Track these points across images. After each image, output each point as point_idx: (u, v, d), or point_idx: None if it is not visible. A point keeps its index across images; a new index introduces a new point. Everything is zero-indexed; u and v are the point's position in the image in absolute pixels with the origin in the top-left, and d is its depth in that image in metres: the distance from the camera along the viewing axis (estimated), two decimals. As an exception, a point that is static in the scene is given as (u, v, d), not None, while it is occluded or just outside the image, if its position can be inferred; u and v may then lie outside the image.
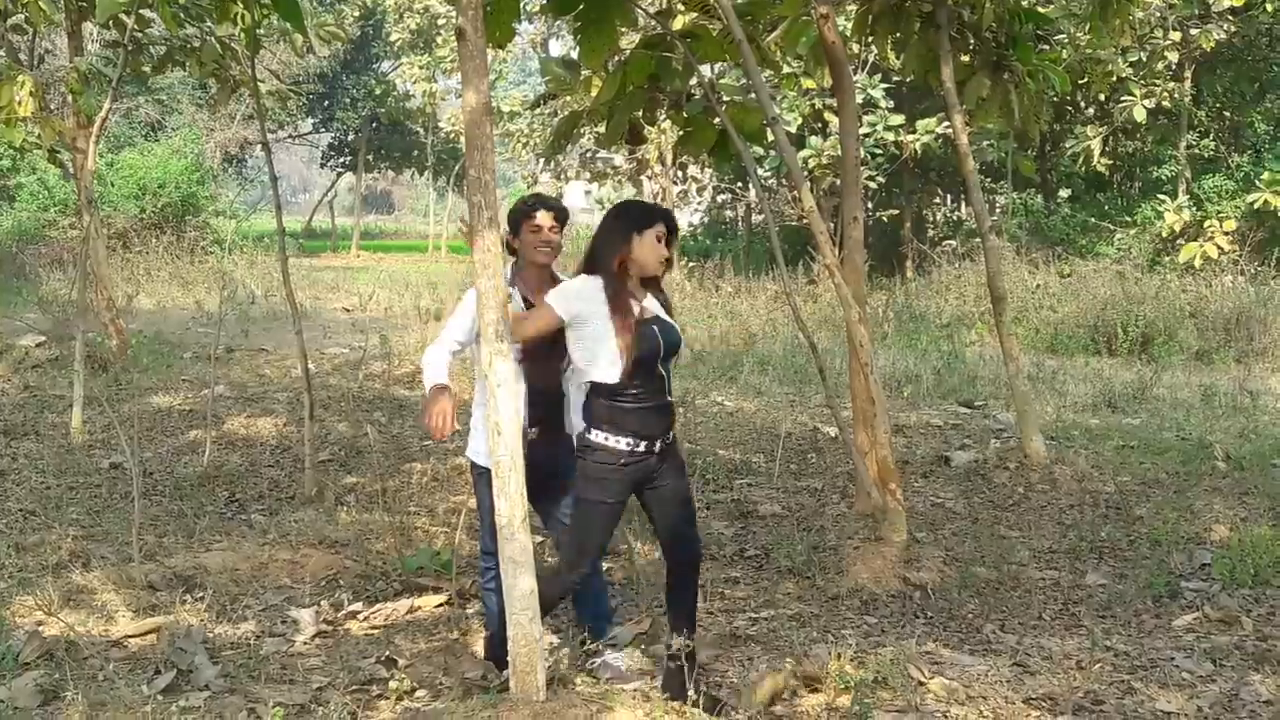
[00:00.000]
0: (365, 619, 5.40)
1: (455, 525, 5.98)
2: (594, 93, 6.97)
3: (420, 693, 4.56)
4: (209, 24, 9.78)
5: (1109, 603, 5.92)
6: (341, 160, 44.75)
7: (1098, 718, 4.54)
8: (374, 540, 6.47)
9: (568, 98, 10.77)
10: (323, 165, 46.87)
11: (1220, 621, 5.66)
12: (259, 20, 7.73)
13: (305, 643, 5.11)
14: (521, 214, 4.79)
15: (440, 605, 5.59)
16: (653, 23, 6.93)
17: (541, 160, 25.41)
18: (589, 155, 24.44)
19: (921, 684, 4.72)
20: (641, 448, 4.42)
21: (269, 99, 15.69)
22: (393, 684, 4.53)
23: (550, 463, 4.72)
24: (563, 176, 25.75)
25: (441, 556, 5.95)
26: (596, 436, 4.39)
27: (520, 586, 4.18)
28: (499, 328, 4.10)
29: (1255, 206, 17.80)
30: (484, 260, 4.10)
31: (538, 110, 22.44)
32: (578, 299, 4.40)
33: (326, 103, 40.35)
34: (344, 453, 8.58)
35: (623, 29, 6.91)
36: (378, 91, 39.56)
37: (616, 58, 7.13)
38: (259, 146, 34.10)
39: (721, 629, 5.42)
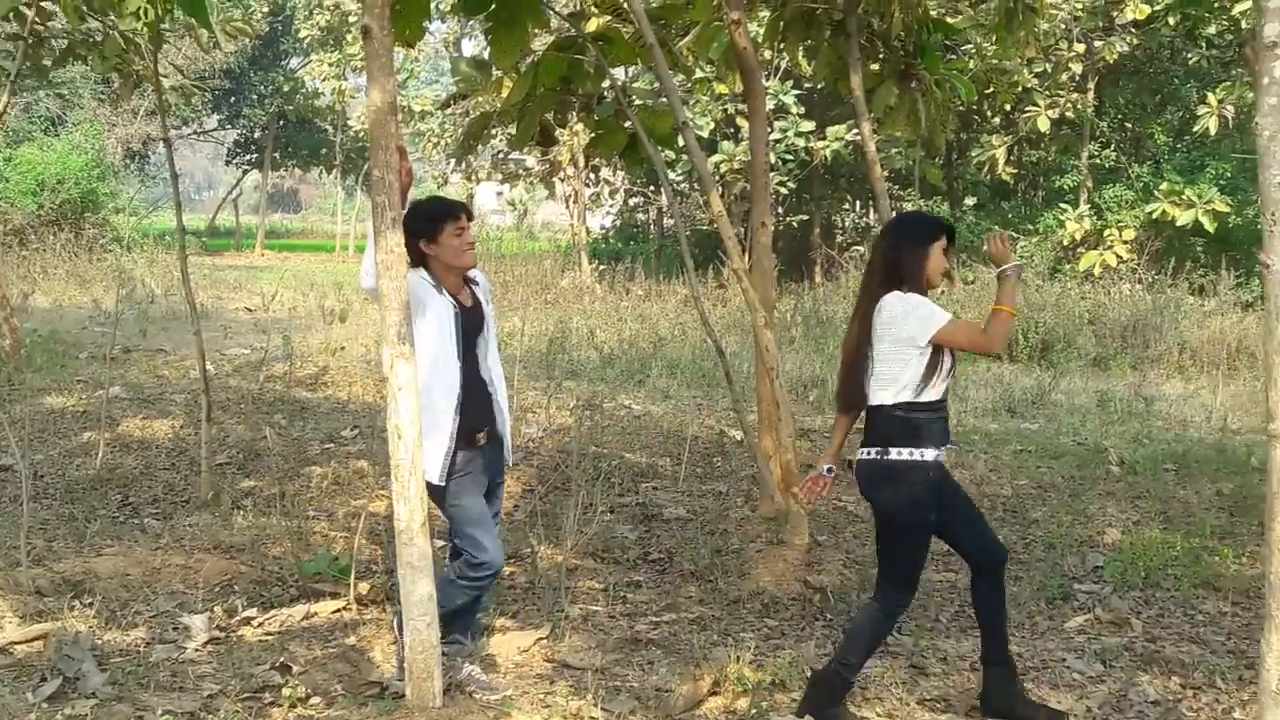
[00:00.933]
0: (260, 625, 5.31)
1: (355, 530, 5.90)
2: (505, 94, 6.95)
3: (315, 700, 4.48)
4: (112, 17, 9.56)
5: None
6: (247, 158, 44.09)
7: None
8: (271, 545, 6.36)
9: (479, 98, 10.71)
10: (228, 162, 46.12)
11: (1111, 623, 5.78)
12: (162, 15, 7.56)
13: (197, 650, 5.00)
14: (444, 216, 4.55)
15: (338, 611, 5.50)
16: (565, 25, 6.92)
17: (452, 161, 25.24)
18: (501, 156, 24.35)
19: (820, 686, 4.75)
20: (941, 456, 4.34)
21: (172, 94, 15.39)
22: (286, 691, 4.45)
23: (496, 467, 4.71)
24: (474, 177, 25.64)
25: (340, 562, 5.86)
26: (900, 455, 4.27)
27: (418, 592, 4.14)
28: (401, 330, 4.06)
29: (1154, 216, 18.23)
30: (387, 261, 4.07)
31: (449, 110, 22.30)
32: (929, 310, 4.29)
33: (233, 99, 39.71)
34: (242, 455, 8.43)
35: (535, 30, 6.91)
36: (286, 88, 39.03)
37: (528, 59, 7.11)
38: (162, 142, 33.46)
39: (623, 633, 5.41)
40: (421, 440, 4.13)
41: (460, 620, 4.66)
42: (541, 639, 5.25)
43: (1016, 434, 10.13)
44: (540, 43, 8.00)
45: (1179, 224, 17.90)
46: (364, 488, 7.53)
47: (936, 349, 4.27)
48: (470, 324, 4.59)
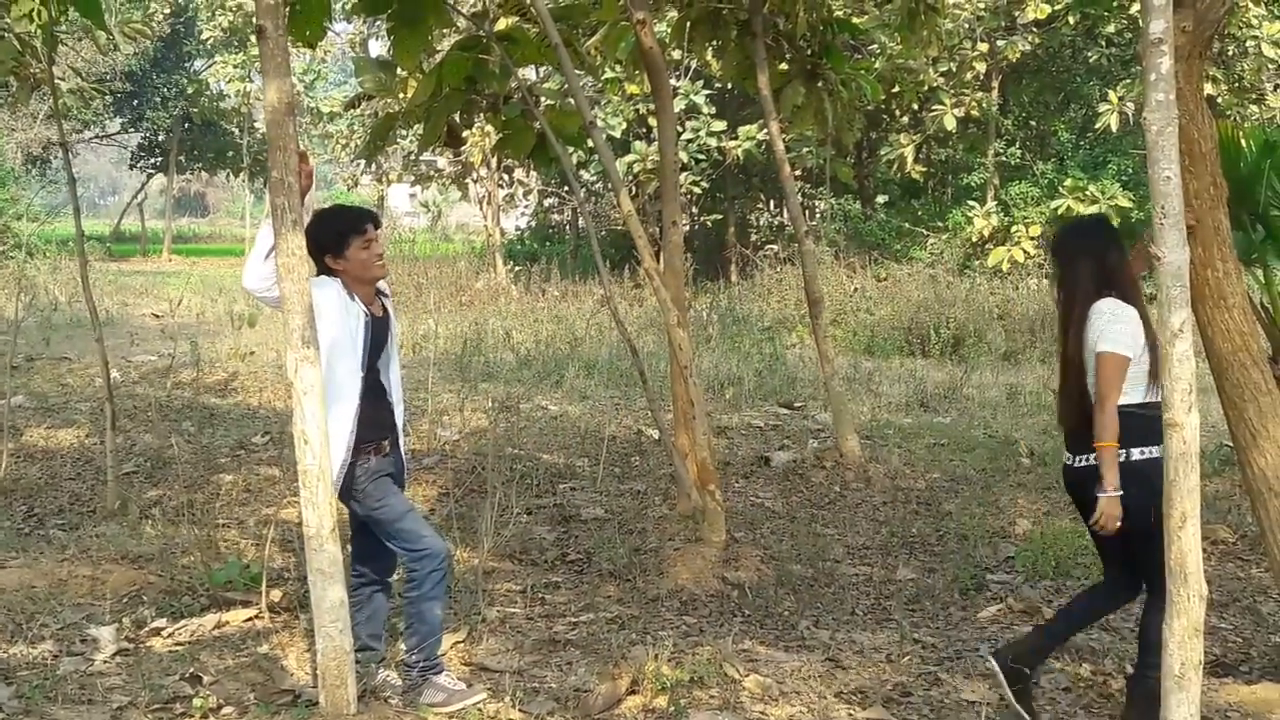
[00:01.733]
0: (169, 635, 5.20)
1: (266, 537, 5.81)
2: (410, 94, 6.89)
3: (227, 710, 4.40)
4: (6, 20, 9.31)
5: (918, 596, 6.09)
6: (152, 161, 43.18)
7: (905, 709, 4.66)
8: (180, 554, 6.24)
9: (386, 99, 10.61)
10: (132, 166, 45.13)
11: (1023, 612, 5.87)
12: (56, 16, 7.38)
13: (105, 661, 4.89)
14: (351, 229, 4.41)
15: (249, 619, 5.41)
16: (470, 24, 6.88)
17: (362, 163, 25.00)
18: (412, 158, 24.15)
19: (737, 682, 4.78)
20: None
21: (70, 98, 15.05)
22: (197, 702, 4.37)
23: (400, 471, 4.66)
24: (384, 179, 25.39)
25: (251, 570, 5.77)
26: (1142, 454, 4.21)
27: (330, 598, 4.09)
28: (305, 334, 4.00)
29: (1059, 212, 18.56)
30: (288, 264, 4.00)
31: (356, 112, 22.08)
32: (1136, 327, 4.27)
33: (136, 102, 38.89)
34: (150, 464, 8.27)
35: (439, 30, 6.86)
36: (190, 90, 38.30)
37: (433, 59, 7.06)
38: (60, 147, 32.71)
39: (541, 634, 5.39)
40: (328, 446, 4.08)
41: (363, 629, 4.62)
42: (458, 642, 5.21)
43: (930, 428, 10.26)
44: (448, 43, 7.94)
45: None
46: (275, 495, 7.42)
47: (1150, 351, 4.25)
48: (379, 335, 4.55)
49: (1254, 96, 18.21)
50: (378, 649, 4.73)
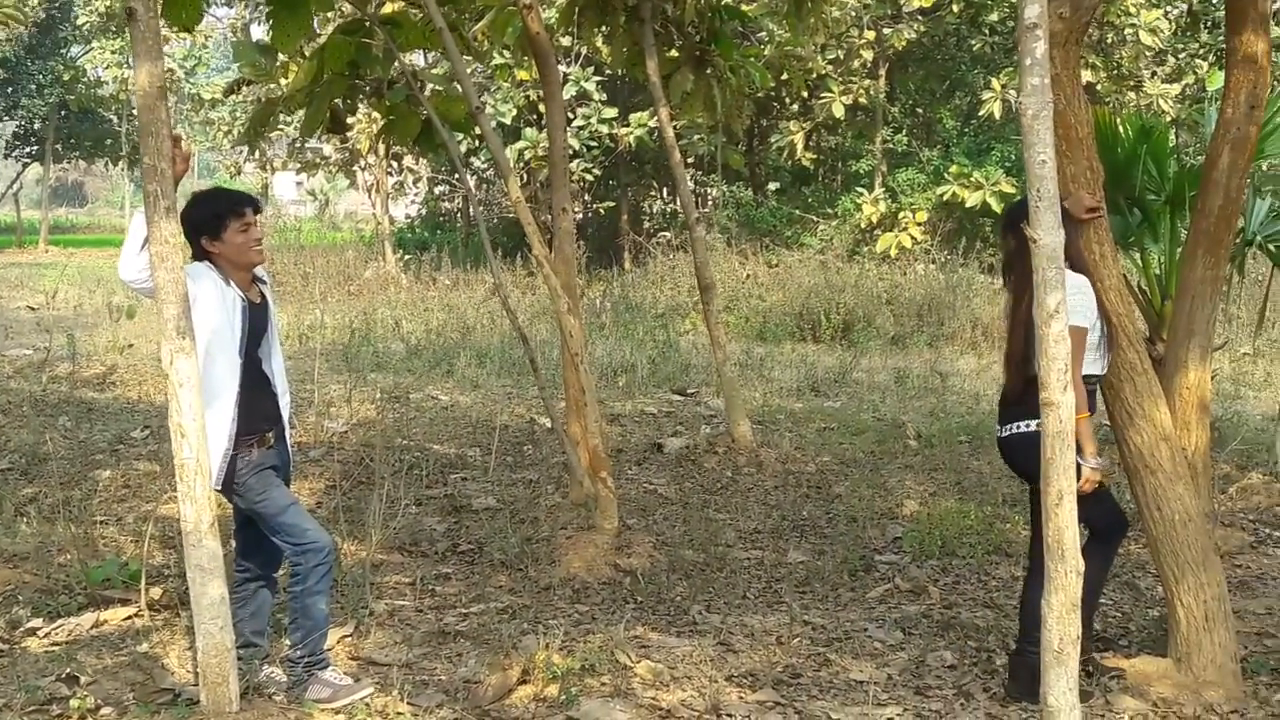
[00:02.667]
0: (46, 635, 5.05)
1: (145, 534, 5.65)
2: (292, 79, 6.75)
3: (105, 710, 4.28)
4: None
5: (808, 578, 6.14)
6: (28, 150, 41.81)
7: (796, 690, 4.69)
8: (56, 552, 6.05)
9: (270, 84, 10.39)
10: (7, 156, 43.66)
11: (910, 592, 5.97)
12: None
13: (-23, 665, 4.73)
14: (228, 212, 4.31)
15: (128, 618, 5.27)
16: (352, 8, 6.75)
17: (245, 150, 24.49)
18: (298, 145, 23.72)
19: (628, 668, 4.77)
20: None
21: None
22: (74, 702, 4.24)
23: (285, 464, 4.59)
24: (269, 167, 24.91)
25: (130, 567, 5.61)
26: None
27: (209, 594, 4.00)
28: (180, 324, 3.89)
29: (944, 198, 18.88)
30: (162, 252, 3.89)
31: (239, 97, 21.60)
32: (1090, 297, 4.39)
33: (10, 89, 37.63)
34: (25, 461, 8.00)
35: (322, 14, 6.73)
36: (66, 77, 37.16)
37: (314, 43, 6.93)
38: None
39: (431, 626, 5.32)
40: (206, 438, 3.98)
41: (246, 625, 4.53)
42: (345, 636, 5.14)
43: (820, 412, 10.36)
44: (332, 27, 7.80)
45: (968, 205, 18.56)
46: (155, 490, 7.23)
47: (1104, 324, 4.49)
48: (258, 322, 4.44)
49: (1132, 84, 18.68)
50: (261, 645, 4.63)
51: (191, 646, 4.64)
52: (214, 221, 4.29)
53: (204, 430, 3.95)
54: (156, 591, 5.43)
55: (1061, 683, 3.14)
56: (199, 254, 4.32)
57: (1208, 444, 5.12)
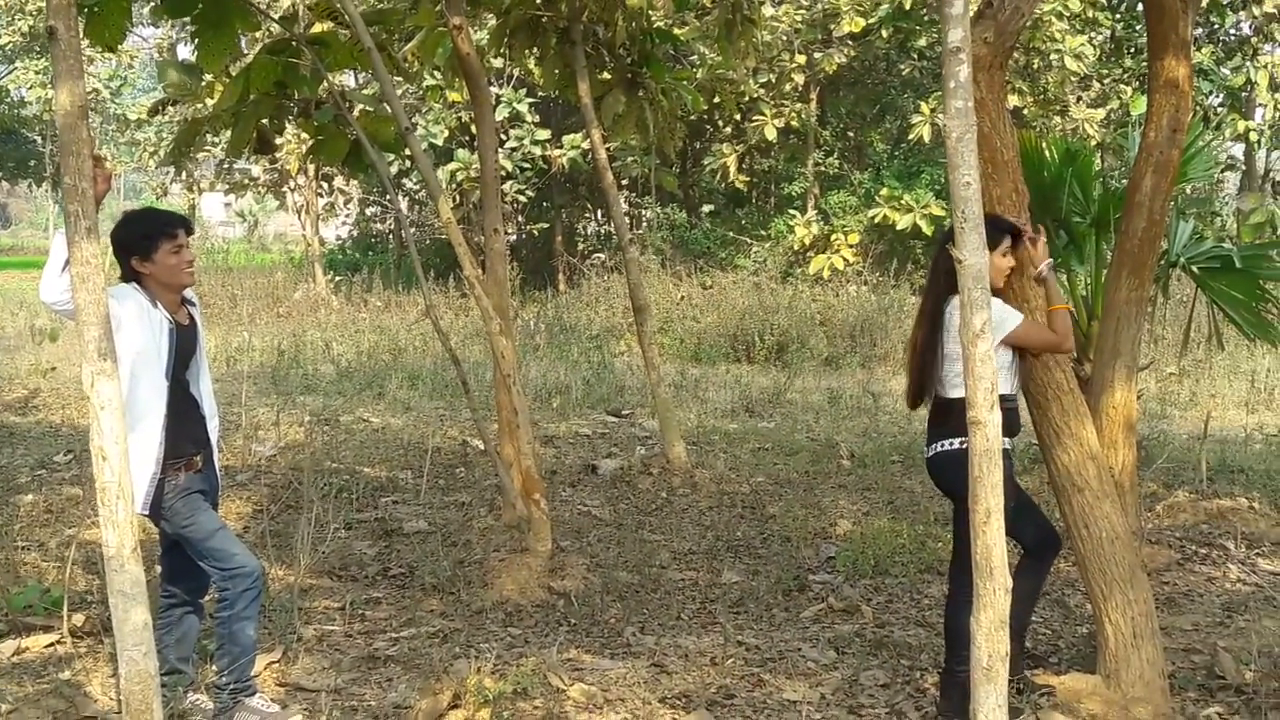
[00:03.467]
0: (-38, 667, 4.92)
1: (67, 559, 5.53)
2: (217, 99, 6.67)
3: (23, 743, 4.17)
4: None
5: (742, 599, 6.14)
6: (-51, 172, 41.11)
7: (729, 711, 4.68)
8: (-25, 581, 5.90)
9: (195, 104, 10.26)
10: (-71, 177, 42.89)
11: (843, 611, 5.98)
12: None
13: (-110, 698, 4.59)
14: (160, 233, 4.28)
15: (51, 645, 5.15)
16: (279, 27, 6.69)
17: (171, 170, 24.17)
18: (225, 165, 23.44)
19: (561, 691, 4.73)
20: (1008, 445, 4.60)
21: None
22: (-8, 735, 4.14)
23: (213, 488, 4.54)
24: (196, 188, 24.58)
25: (52, 593, 5.48)
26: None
27: (132, 620, 3.89)
28: (101, 346, 3.81)
29: (876, 221, 19.05)
30: (83, 273, 3.80)
31: (163, 117, 21.32)
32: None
33: (-68, 109, 36.99)
34: (-57, 487, 7.82)
35: (250, 33, 6.66)
36: (-11, 98, 36.60)
37: (241, 62, 6.85)
38: None
39: (360, 651, 5.25)
40: (129, 462, 3.89)
41: (171, 651, 4.45)
42: (273, 662, 5.05)
43: (754, 432, 10.38)
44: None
45: (899, 228, 18.76)
46: (78, 515, 7.08)
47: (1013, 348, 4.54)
48: (185, 344, 4.39)
49: (1058, 108, 18.99)
50: (186, 671, 4.55)
51: (114, 674, 4.53)
52: (145, 242, 4.27)
53: (126, 454, 3.86)
54: (79, 618, 5.32)
55: (991, 700, 3.15)
56: (128, 274, 4.29)
57: (1134, 463, 5.19)
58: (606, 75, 9.06)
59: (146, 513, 4.19)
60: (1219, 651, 5.14)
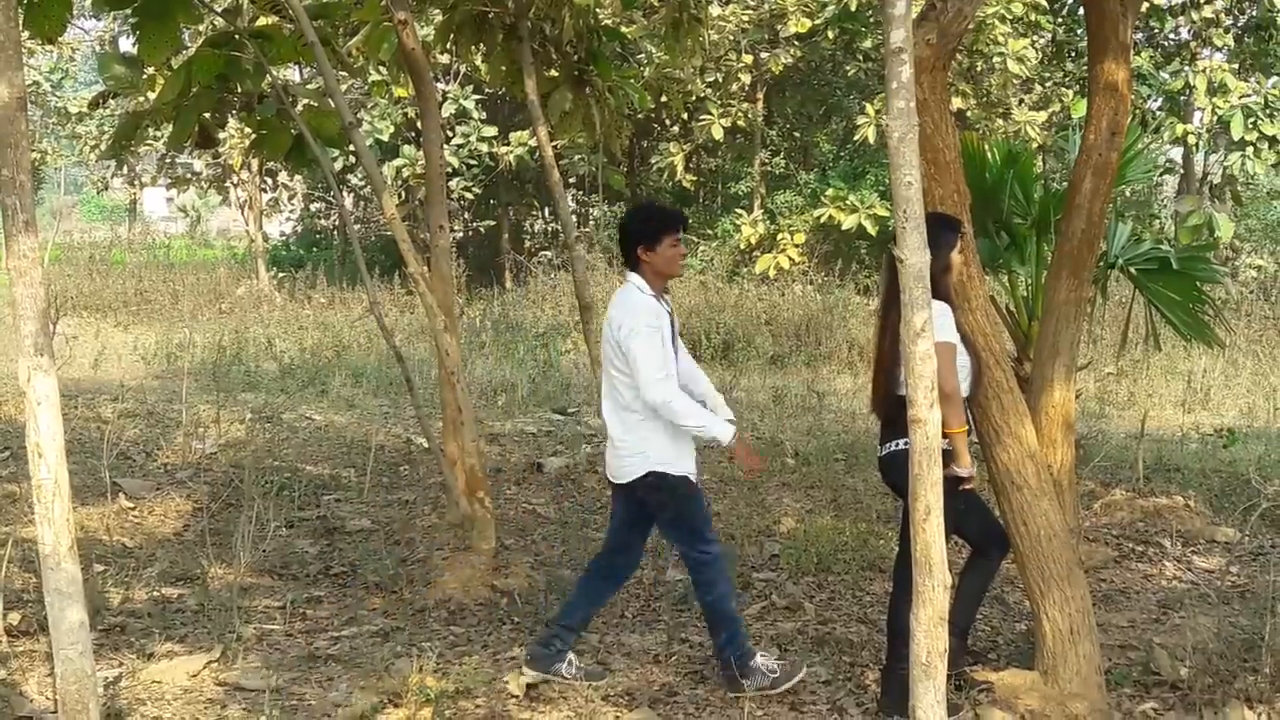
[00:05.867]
0: (-109, 669, 4.82)
1: (3, 557, 5.44)
2: (158, 92, 6.59)
3: (-46, 746, 4.10)
4: None
5: (686, 596, 6.14)
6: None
7: (672, 708, 4.70)
8: (-93, 580, 5.79)
9: (137, 98, 10.13)
10: None
11: (786, 608, 6.02)
12: None
13: None
14: (666, 227, 4.80)
15: (-16, 646, 5.07)
16: (222, 20, 6.62)
17: (113, 165, 23.84)
18: (168, 160, 23.15)
19: (503, 690, 4.72)
20: None
21: None
22: (-78, 737, 4.06)
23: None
24: (137, 182, 24.25)
25: (-14, 593, 5.40)
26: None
27: (68, 619, 3.84)
28: (38, 341, 3.75)
29: (821, 221, 19.14)
30: (20, 267, 3.75)
31: (107, 111, 21.02)
32: (947, 318, 4.47)
33: None
34: (-125, 485, 7.66)
35: (191, 26, 6.58)
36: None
37: (182, 55, 6.77)
38: None
39: (301, 650, 5.21)
40: (64, 459, 3.83)
41: None
42: (212, 662, 5.00)
43: (699, 431, 10.37)
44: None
45: (844, 228, 18.85)
46: (15, 513, 6.97)
47: (967, 352, 4.58)
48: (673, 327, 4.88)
49: (1001, 111, 19.17)
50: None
51: (51, 673, 4.47)
52: (652, 233, 4.77)
53: (63, 451, 3.81)
54: (15, 617, 5.25)
55: (929, 696, 3.17)
56: (631, 261, 4.81)
57: (1073, 461, 5.26)
58: (553, 72, 9.02)
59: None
60: (1154, 648, 5.22)
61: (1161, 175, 19.87)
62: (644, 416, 4.72)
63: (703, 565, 4.85)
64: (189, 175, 23.31)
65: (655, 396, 4.59)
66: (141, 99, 10.29)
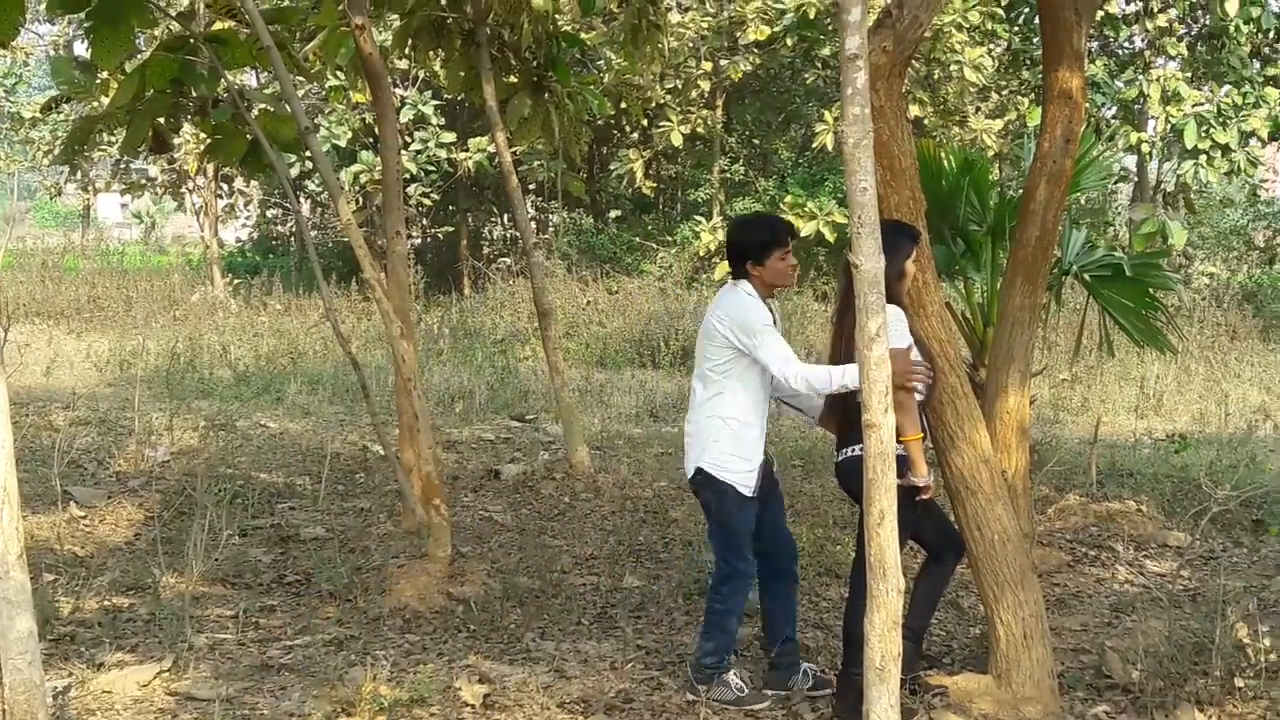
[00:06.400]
0: None
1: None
2: (111, 96, 6.53)
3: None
4: None
5: (643, 603, 6.15)
6: None
7: (628, 715, 4.69)
8: None
9: (90, 102, 10.04)
10: None
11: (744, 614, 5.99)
12: None
13: None
14: (775, 241, 4.82)
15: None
16: (177, 24, 6.57)
17: (67, 170, 23.58)
18: (123, 165, 22.91)
19: (458, 697, 4.69)
20: None
21: None
22: None
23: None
24: (91, 188, 23.98)
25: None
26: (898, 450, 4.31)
27: (17, 628, 3.79)
28: (-17, 346, 3.70)
29: (779, 228, 19.20)
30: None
31: (61, 116, 20.80)
32: (901, 324, 4.50)
33: None
34: None
35: (146, 30, 6.53)
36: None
37: (137, 59, 6.72)
38: None
39: (254, 660, 5.16)
40: (14, 465, 3.78)
41: None
42: (163, 672, 4.94)
43: (658, 437, 10.40)
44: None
45: (803, 235, 18.92)
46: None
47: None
48: None
49: (958, 119, 19.31)
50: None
51: (-2, 685, 4.41)
52: (761, 249, 4.80)
53: (12, 457, 3.75)
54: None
55: (883, 700, 3.19)
56: (739, 272, 4.84)
57: (1027, 466, 5.30)
58: (512, 78, 9.02)
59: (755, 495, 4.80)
60: (1107, 651, 5.25)
61: (1115, 183, 20.04)
62: (710, 415, 4.79)
63: (727, 576, 4.86)
64: (144, 181, 23.07)
65: (793, 378, 4.59)
66: (95, 103, 10.21)
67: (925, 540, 5.01)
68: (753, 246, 4.82)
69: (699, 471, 4.83)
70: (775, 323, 4.80)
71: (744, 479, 4.79)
